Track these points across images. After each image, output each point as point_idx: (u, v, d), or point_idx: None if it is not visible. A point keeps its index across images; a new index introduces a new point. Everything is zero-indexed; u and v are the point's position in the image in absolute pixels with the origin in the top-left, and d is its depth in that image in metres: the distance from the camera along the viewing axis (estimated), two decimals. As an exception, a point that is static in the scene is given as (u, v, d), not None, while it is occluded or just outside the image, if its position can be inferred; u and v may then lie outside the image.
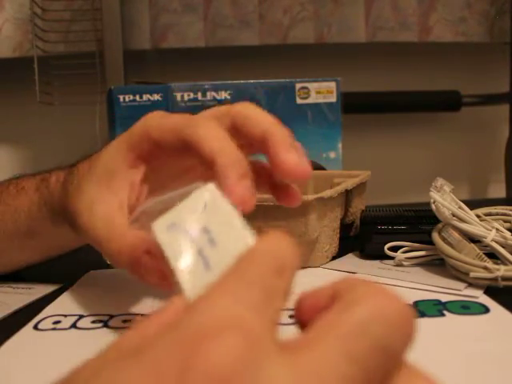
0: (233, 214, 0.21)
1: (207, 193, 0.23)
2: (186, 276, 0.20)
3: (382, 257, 0.49)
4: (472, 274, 0.41)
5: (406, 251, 0.49)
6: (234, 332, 0.14)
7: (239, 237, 0.20)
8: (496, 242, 0.43)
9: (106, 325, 0.36)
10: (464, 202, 0.46)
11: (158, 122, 0.33)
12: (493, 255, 0.43)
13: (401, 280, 0.44)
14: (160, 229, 0.22)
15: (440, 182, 0.45)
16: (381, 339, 0.15)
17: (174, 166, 0.35)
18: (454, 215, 0.44)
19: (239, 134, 0.31)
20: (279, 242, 0.18)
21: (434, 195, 0.44)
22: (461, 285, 0.42)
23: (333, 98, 0.71)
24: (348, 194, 0.54)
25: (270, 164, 0.29)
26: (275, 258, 0.17)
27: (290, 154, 0.28)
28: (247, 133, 0.31)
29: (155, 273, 0.31)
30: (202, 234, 0.21)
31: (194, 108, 0.69)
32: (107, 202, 0.34)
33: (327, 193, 0.48)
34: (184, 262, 0.20)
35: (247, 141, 0.31)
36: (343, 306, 0.15)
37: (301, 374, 0.14)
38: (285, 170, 0.28)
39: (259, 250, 0.17)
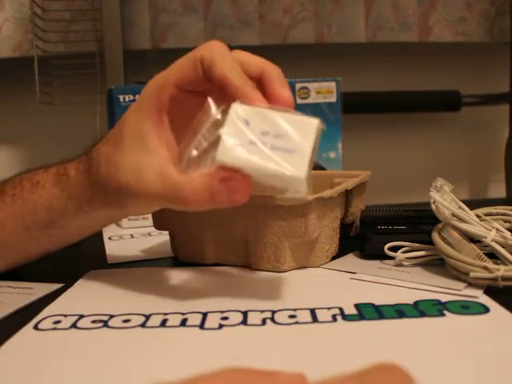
0: (275, 112, 0.30)
1: (240, 109, 0.31)
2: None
3: (382, 257, 0.49)
4: (472, 274, 0.41)
5: (406, 251, 0.49)
6: None
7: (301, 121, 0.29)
8: (496, 242, 0.43)
9: (106, 325, 0.37)
10: (464, 202, 0.46)
11: (171, 70, 0.37)
12: (493, 255, 0.43)
13: (401, 280, 0.44)
14: (227, 149, 0.30)
15: (440, 181, 0.45)
16: None
17: (192, 101, 0.37)
18: (453, 215, 0.44)
19: None
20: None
21: (434, 195, 0.44)
22: (461, 285, 0.42)
23: (333, 98, 0.72)
24: (348, 194, 0.54)
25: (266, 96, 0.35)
26: None
27: (285, 89, 0.36)
28: (245, 72, 0.36)
29: (240, 189, 0.34)
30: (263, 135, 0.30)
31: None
32: (154, 163, 0.35)
33: (327, 193, 0.48)
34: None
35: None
36: None
37: None
38: (280, 101, 0.35)
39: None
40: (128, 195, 0.37)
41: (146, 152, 0.36)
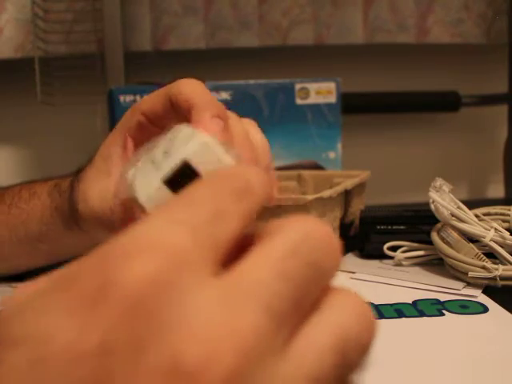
0: (200, 135, 0.20)
1: (182, 130, 0.22)
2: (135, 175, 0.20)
3: (382, 256, 0.49)
4: (471, 274, 0.42)
5: (405, 251, 0.49)
6: (155, 252, 0.14)
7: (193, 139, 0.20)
8: (495, 242, 0.43)
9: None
10: (463, 201, 0.46)
11: (147, 98, 0.35)
12: (491, 255, 0.43)
13: (400, 280, 0.45)
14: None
15: (439, 182, 0.45)
16: (312, 258, 0.15)
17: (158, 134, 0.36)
18: (452, 215, 0.45)
19: (174, 108, 0.33)
20: (247, 168, 0.17)
21: (433, 195, 0.45)
22: (459, 284, 0.43)
23: (332, 99, 0.72)
24: (347, 194, 0.55)
25: None
26: (235, 181, 0.16)
27: (214, 121, 0.30)
28: (178, 107, 0.32)
29: None
30: (162, 153, 0.20)
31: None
32: (103, 184, 0.36)
33: (327, 193, 0.48)
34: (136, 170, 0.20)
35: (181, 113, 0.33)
36: (272, 233, 0.15)
37: (229, 295, 0.14)
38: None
39: (220, 173, 0.17)
40: (78, 214, 0.37)
41: (104, 174, 0.36)
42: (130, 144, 0.36)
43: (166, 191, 0.19)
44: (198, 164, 0.19)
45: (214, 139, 0.20)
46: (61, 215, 0.41)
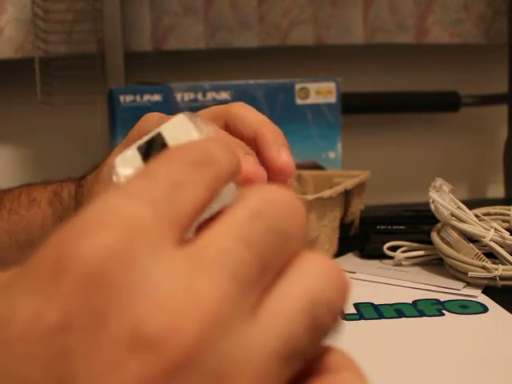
0: (189, 124, 0.20)
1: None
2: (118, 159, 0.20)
3: (382, 256, 0.49)
4: (470, 274, 0.42)
5: (405, 251, 0.49)
6: (110, 227, 0.13)
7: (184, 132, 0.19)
8: (494, 242, 0.43)
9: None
10: (463, 201, 0.46)
11: (156, 124, 0.33)
12: (491, 255, 0.43)
13: (400, 279, 0.45)
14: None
15: (439, 182, 0.45)
16: (275, 222, 0.15)
17: None
18: (452, 215, 0.45)
19: (233, 134, 0.32)
20: (211, 141, 0.16)
21: (433, 195, 0.45)
22: (459, 284, 0.43)
23: (332, 99, 0.72)
24: (347, 194, 0.55)
25: (262, 163, 0.30)
26: (196, 152, 0.16)
27: (282, 154, 0.30)
28: (239, 134, 0.32)
29: None
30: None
31: (195, 109, 0.69)
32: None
33: (327, 193, 0.48)
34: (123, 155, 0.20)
35: (242, 140, 0.32)
36: (234, 202, 0.15)
37: (192, 263, 0.13)
38: (276, 167, 0.30)
39: (182, 145, 0.16)
40: None
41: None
42: None
43: (138, 160, 0.19)
44: (170, 137, 0.19)
45: (194, 115, 0.20)
46: None
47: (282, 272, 0.15)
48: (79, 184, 0.40)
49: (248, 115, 0.32)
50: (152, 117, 0.34)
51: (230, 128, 0.32)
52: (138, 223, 0.13)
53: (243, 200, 0.15)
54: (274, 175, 0.29)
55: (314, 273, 0.15)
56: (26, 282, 0.13)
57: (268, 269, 0.14)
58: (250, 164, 0.27)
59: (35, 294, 0.13)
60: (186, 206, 0.15)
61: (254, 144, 0.31)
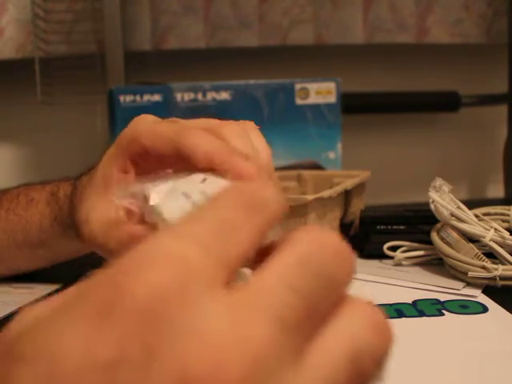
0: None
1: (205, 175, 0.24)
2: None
3: (381, 256, 0.49)
4: (470, 274, 0.42)
5: (405, 251, 0.49)
6: (165, 263, 0.14)
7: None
8: (494, 242, 0.43)
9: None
10: (462, 201, 0.46)
11: (149, 129, 0.32)
12: (491, 255, 0.43)
13: (400, 279, 0.45)
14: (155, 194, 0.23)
15: (439, 182, 0.45)
16: (321, 268, 0.15)
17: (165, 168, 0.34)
18: (452, 215, 0.45)
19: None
20: (262, 184, 0.17)
21: (433, 195, 0.45)
22: (459, 284, 0.43)
23: (332, 99, 0.72)
24: (347, 194, 0.55)
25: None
26: (249, 195, 0.16)
27: (242, 163, 0.28)
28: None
29: None
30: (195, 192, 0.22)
31: (195, 108, 0.69)
32: (103, 209, 0.34)
33: (327, 193, 0.48)
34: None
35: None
36: (282, 245, 0.15)
37: (238, 305, 0.14)
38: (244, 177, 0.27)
39: (227, 190, 0.16)
40: (81, 233, 0.36)
41: (104, 196, 0.34)
42: (131, 169, 0.34)
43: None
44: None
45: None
46: (61, 225, 0.41)
47: (328, 318, 0.15)
48: (74, 185, 0.40)
49: (199, 146, 0.30)
50: (144, 119, 0.33)
51: (182, 154, 0.30)
52: (190, 264, 0.14)
53: (292, 243, 0.15)
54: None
55: (359, 320, 0.15)
56: (76, 315, 0.13)
57: (314, 314, 0.14)
58: (249, 167, 0.27)
59: (86, 329, 0.13)
60: (236, 248, 0.15)
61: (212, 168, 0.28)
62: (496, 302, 0.39)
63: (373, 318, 0.15)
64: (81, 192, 0.37)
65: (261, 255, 0.16)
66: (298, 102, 0.71)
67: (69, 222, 0.40)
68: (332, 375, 0.14)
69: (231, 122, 0.32)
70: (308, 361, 0.14)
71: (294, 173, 0.64)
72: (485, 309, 0.38)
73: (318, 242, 0.15)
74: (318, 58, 1.00)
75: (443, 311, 0.38)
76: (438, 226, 0.46)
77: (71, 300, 0.14)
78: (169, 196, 0.21)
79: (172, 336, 0.13)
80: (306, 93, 0.71)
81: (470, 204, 0.48)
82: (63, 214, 0.41)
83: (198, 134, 0.30)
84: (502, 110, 1.01)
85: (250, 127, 0.32)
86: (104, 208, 0.34)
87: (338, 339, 0.15)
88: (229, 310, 0.13)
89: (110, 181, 0.34)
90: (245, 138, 0.31)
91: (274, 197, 0.16)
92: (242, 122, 0.33)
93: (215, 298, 0.14)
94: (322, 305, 0.15)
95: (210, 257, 0.14)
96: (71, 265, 0.52)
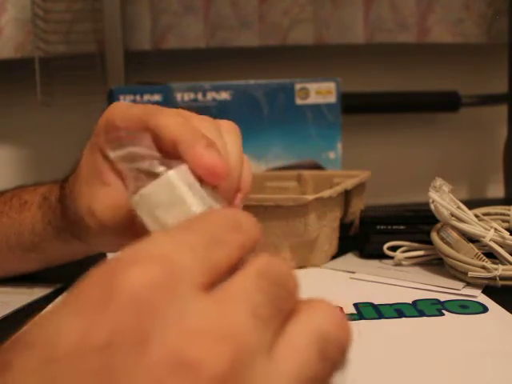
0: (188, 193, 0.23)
1: (175, 173, 0.24)
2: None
3: (381, 256, 0.49)
4: (470, 274, 0.42)
5: (405, 251, 0.49)
6: (157, 262, 0.15)
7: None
8: (494, 242, 0.43)
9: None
10: (463, 201, 0.46)
11: (123, 111, 0.33)
12: (491, 255, 0.43)
13: (400, 279, 0.45)
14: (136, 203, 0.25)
15: (439, 182, 0.45)
16: (278, 278, 0.17)
17: None
18: (452, 215, 0.45)
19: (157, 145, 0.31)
20: (239, 212, 0.19)
21: (433, 195, 0.45)
22: (459, 284, 0.43)
23: (332, 99, 0.72)
24: (347, 194, 0.55)
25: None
26: (230, 218, 0.18)
27: (204, 153, 0.27)
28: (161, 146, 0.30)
29: None
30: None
31: (194, 109, 0.69)
32: (101, 195, 0.34)
33: (327, 193, 0.48)
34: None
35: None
36: (247, 265, 0.18)
37: (220, 301, 0.16)
38: (201, 169, 0.27)
39: (217, 211, 0.19)
40: (82, 228, 0.35)
41: (99, 185, 0.34)
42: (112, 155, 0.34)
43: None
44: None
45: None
46: (54, 229, 0.41)
47: (291, 315, 0.17)
48: (62, 187, 0.39)
49: (167, 126, 0.30)
50: (118, 104, 0.34)
51: (153, 135, 0.30)
52: (179, 264, 0.16)
53: (255, 262, 0.18)
54: (204, 177, 0.26)
55: (320, 316, 0.17)
56: (75, 305, 0.15)
57: (278, 312, 0.17)
58: (211, 157, 0.27)
59: (85, 315, 0.14)
60: (219, 259, 0.17)
61: (177, 151, 0.28)
62: (496, 302, 0.39)
63: (333, 314, 0.18)
64: (70, 191, 0.37)
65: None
66: (298, 101, 0.71)
67: (62, 224, 0.39)
68: (301, 363, 0.16)
69: (207, 118, 0.32)
70: (279, 349, 0.16)
71: (294, 173, 0.64)
72: (485, 309, 0.38)
73: (273, 261, 0.18)
74: (318, 57, 1.00)
75: (443, 311, 0.38)
76: (438, 225, 0.46)
77: (70, 295, 0.15)
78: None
79: (163, 325, 0.14)
80: (306, 93, 0.71)
81: (470, 204, 0.48)
82: (56, 217, 0.40)
83: (167, 115, 0.31)
84: (502, 109, 1.01)
85: (226, 127, 0.32)
86: (102, 194, 0.34)
87: (303, 331, 0.17)
88: (212, 305, 0.15)
89: (97, 169, 0.34)
90: (213, 133, 0.31)
91: (250, 224, 0.19)
92: (219, 120, 0.33)
93: (200, 294, 0.15)
94: (283, 304, 0.17)
95: (197, 262, 0.16)
96: (71, 265, 0.52)
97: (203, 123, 0.31)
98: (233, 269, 0.18)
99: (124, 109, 0.33)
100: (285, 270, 0.18)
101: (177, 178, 0.24)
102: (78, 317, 0.14)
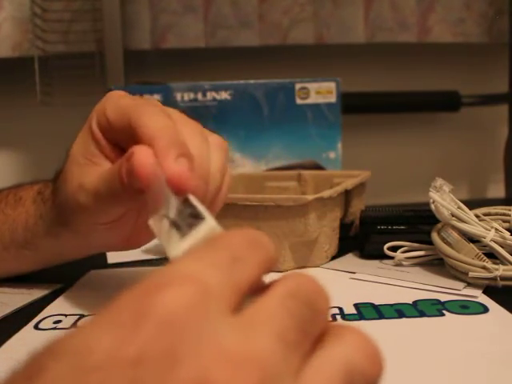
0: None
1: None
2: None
3: (382, 257, 0.49)
4: (471, 274, 0.42)
5: (406, 251, 0.49)
6: (188, 283, 0.16)
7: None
8: (495, 242, 0.43)
9: (106, 324, 0.37)
10: (463, 201, 0.46)
11: (114, 101, 0.33)
12: (492, 255, 0.43)
13: (400, 280, 0.44)
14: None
15: (439, 182, 0.45)
16: (307, 298, 0.17)
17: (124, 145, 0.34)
18: (453, 215, 0.45)
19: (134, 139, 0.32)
20: (255, 231, 0.19)
21: (434, 195, 0.45)
22: (460, 284, 0.42)
23: (332, 99, 0.72)
24: (347, 194, 0.54)
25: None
26: (248, 236, 0.19)
27: (174, 163, 0.28)
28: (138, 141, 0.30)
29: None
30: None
31: (194, 108, 0.69)
32: (93, 172, 0.34)
33: (327, 193, 0.48)
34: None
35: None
36: (274, 284, 0.18)
37: (247, 325, 0.16)
38: (167, 178, 0.28)
39: (234, 230, 0.19)
40: (71, 210, 0.35)
41: (91, 165, 0.34)
42: (104, 142, 0.34)
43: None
44: None
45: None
46: (46, 223, 0.40)
47: (320, 340, 0.17)
48: (54, 178, 0.40)
49: (147, 128, 0.30)
50: (114, 94, 0.34)
51: (132, 131, 0.31)
52: (207, 286, 0.16)
53: (284, 279, 0.18)
54: (171, 188, 0.26)
55: (353, 345, 0.17)
56: (110, 320, 0.15)
57: (307, 336, 0.17)
58: (180, 166, 0.28)
59: (118, 330, 0.15)
60: (242, 277, 0.17)
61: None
62: (497, 302, 0.39)
63: (366, 345, 0.17)
64: (64, 173, 0.37)
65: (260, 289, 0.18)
66: (298, 101, 0.71)
67: (52, 216, 0.39)
68: None
69: (195, 123, 0.33)
70: (304, 378, 0.16)
71: (294, 173, 0.64)
72: (485, 309, 0.38)
73: (302, 279, 0.18)
74: (318, 57, 1.00)
75: (444, 311, 0.38)
76: (439, 226, 0.46)
77: (101, 313, 0.16)
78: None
79: (192, 345, 0.15)
80: (306, 93, 0.71)
81: (471, 204, 0.48)
82: (47, 209, 0.40)
83: (151, 115, 0.31)
84: (503, 109, 1.01)
85: (213, 140, 0.33)
86: (92, 171, 0.34)
87: (332, 360, 0.16)
88: (240, 327, 0.16)
89: (91, 152, 0.35)
90: (197, 139, 0.32)
91: (267, 240, 0.19)
92: (209, 133, 0.34)
93: (229, 316, 0.16)
94: (312, 328, 0.17)
95: (226, 282, 0.17)
96: (71, 265, 0.52)
97: (187, 128, 0.32)
98: (253, 287, 0.18)
99: (116, 99, 0.34)
100: (314, 287, 0.18)
101: None
102: (110, 332, 0.15)
